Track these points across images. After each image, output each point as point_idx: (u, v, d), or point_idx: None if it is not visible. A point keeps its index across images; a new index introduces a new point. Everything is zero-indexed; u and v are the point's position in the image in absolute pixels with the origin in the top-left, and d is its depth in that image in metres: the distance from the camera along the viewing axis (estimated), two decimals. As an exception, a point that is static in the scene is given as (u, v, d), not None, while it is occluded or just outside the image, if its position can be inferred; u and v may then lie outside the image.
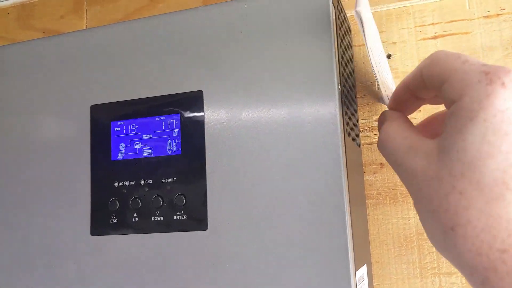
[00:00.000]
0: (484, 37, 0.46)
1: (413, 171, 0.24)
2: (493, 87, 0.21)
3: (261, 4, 0.39)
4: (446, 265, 0.44)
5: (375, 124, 0.47)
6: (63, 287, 0.41)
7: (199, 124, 0.39)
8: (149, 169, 0.40)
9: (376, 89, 0.47)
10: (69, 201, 0.42)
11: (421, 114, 0.45)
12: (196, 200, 0.38)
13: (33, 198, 0.43)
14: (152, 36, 0.42)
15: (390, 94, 0.35)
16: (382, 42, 0.48)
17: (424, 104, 0.30)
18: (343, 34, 0.41)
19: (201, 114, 0.39)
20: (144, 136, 0.41)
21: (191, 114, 0.39)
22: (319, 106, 0.36)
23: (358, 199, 0.42)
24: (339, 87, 0.36)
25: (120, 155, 0.41)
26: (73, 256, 0.41)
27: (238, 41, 0.39)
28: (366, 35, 0.35)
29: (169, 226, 0.39)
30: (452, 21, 0.47)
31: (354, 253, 0.35)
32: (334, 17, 0.37)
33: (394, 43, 0.48)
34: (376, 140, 0.34)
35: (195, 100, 0.39)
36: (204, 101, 0.39)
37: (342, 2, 0.43)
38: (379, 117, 0.31)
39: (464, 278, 0.31)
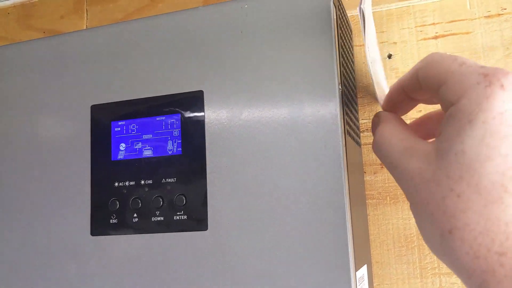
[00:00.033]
0: (485, 37, 0.46)
1: (409, 173, 0.24)
2: (492, 89, 0.21)
3: (262, 4, 0.39)
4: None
5: (375, 124, 0.47)
6: (63, 287, 0.41)
7: (200, 124, 0.39)
8: (149, 169, 0.40)
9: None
10: (69, 201, 0.42)
11: (421, 114, 0.44)
12: (196, 200, 0.38)
13: (33, 198, 0.43)
14: (152, 36, 0.42)
15: (383, 95, 0.35)
16: (383, 42, 0.48)
17: (418, 104, 0.29)
18: (344, 34, 0.41)
19: (202, 114, 0.39)
20: (145, 136, 0.41)
21: (192, 114, 0.39)
22: (319, 106, 0.36)
23: (359, 199, 0.42)
24: (340, 87, 0.36)
25: (120, 155, 0.41)
26: (73, 256, 0.41)
27: (239, 41, 0.39)
28: (365, 34, 0.35)
29: (169, 226, 0.39)
30: (453, 21, 0.47)
31: (354, 253, 0.35)
32: (335, 17, 0.37)
33: (395, 43, 0.48)
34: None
35: (195, 100, 0.39)
36: (205, 101, 0.39)
37: (342, 2, 0.42)
38: (373, 118, 0.31)
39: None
